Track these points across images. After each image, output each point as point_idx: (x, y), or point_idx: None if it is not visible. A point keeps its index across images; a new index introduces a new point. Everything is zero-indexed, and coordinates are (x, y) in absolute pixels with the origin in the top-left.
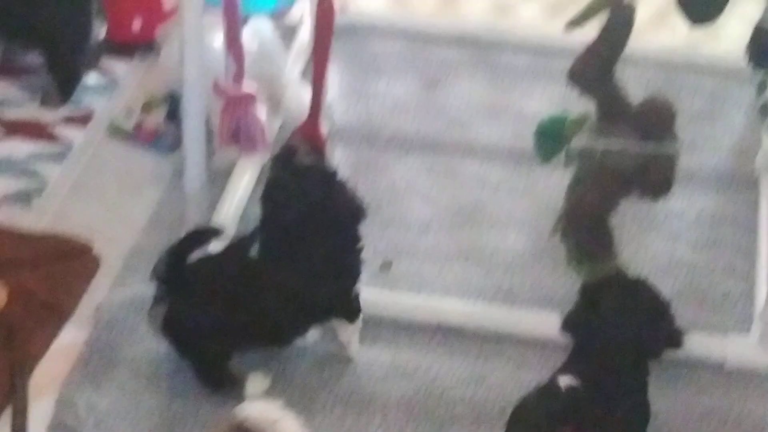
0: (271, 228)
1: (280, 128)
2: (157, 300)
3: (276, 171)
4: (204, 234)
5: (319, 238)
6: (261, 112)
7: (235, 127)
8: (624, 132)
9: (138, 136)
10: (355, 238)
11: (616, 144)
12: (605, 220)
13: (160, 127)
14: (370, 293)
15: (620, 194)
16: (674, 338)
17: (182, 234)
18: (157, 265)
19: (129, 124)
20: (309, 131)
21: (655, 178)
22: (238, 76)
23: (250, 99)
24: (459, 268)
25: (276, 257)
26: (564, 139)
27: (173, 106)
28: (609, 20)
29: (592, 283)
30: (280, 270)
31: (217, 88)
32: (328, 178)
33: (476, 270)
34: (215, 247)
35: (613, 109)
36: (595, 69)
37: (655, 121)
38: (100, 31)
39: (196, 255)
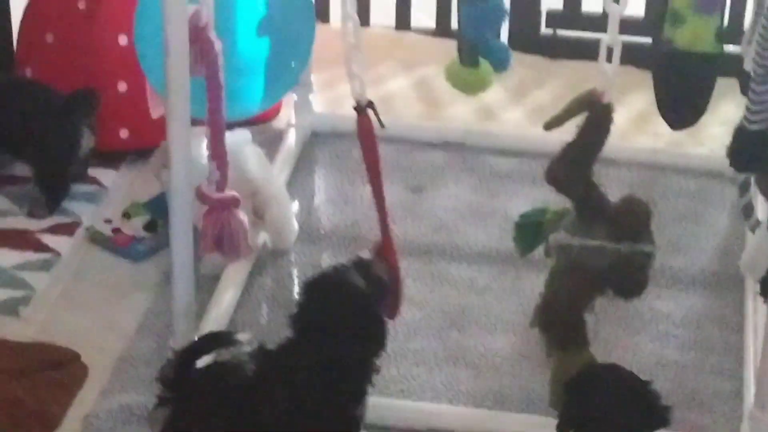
0: (305, 330)
1: (263, 241)
2: (160, 403)
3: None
4: (216, 339)
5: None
6: (244, 217)
7: (218, 233)
8: (600, 231)
9: (115, 241)
10: (373, 367)
11: (592, 242)
12: (579, 314)
13: (137, 234)
14: None
15: (594, 291)
16: (663, 415)
17: (172, 342)
18: (164, 367)
19: (107, 230)
20: (384, 249)
21: (628, 278)
22: (221, 183)
23: (233, 204)
24: (448, 372)
25: (295, 359)
26: (543, 232)
27: (155, 214)
28: (586, 120)
29: (576, 378)
30: (290, 386)
31: (200, 194)
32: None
33: (466, 373)
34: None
35: (590, 208)
36: (572, 169)
37: (631, 221)
38: (90, 141)
39: (205, 360)
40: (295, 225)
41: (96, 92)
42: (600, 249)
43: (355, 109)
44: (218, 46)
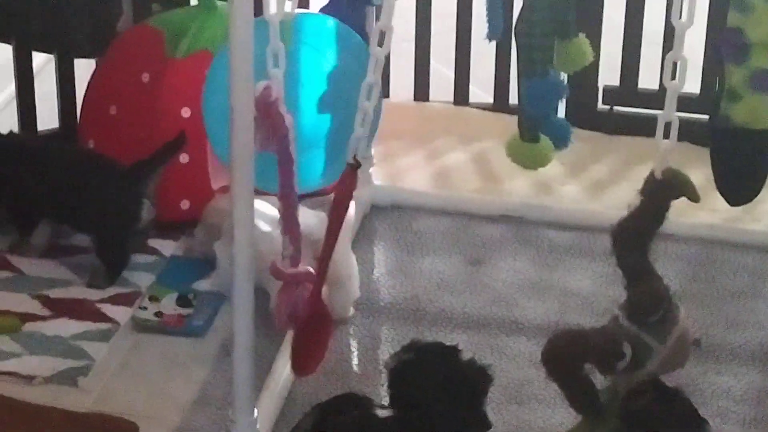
0: (401, 409)
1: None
2: None
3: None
4: (353, 400)
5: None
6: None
7: (293, 309)
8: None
9: (167, 324)
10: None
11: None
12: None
13: (182, 312)
14: None
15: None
16: None
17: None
18: (302, 421)
19: (150, 315)
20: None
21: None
22: (295, 258)
23: (307, 279)
24: None
25: None
26: None
27: (177, 288)
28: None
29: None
30: None
31: (274, 270)
32: (452, 354)
33: None
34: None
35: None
36: (629, 241)
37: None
38: (150, 212)
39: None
40: (355, 269)
41: (159, 162)
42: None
43: (348, 164)
44: (289, 120)
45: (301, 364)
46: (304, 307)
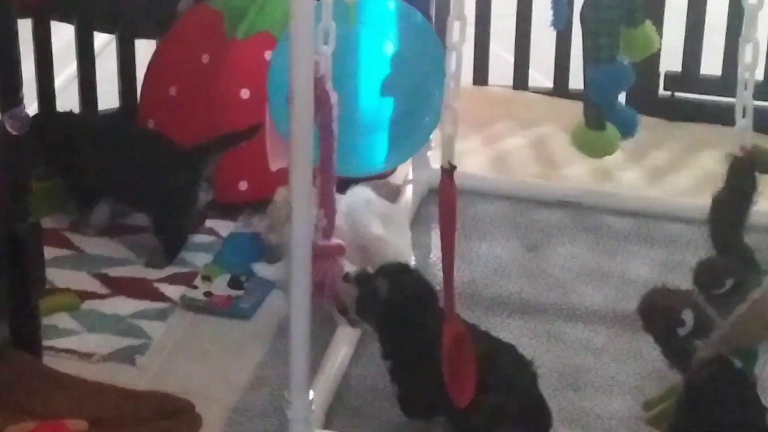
0: None
1: None
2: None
3: None
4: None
5: None
6: (347, 265)
7: (320, 280)
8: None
9: (216, 304)
10: None
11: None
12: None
13: (231, 294)
14: None
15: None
16: None
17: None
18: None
19: (200, 295)
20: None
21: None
22: (328, 231)
23: (337, 252)
24: None
25: None
26: None
27: (231, 269)
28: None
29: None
30: None
31: (315, 246)
32: None
33: None
34: None
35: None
36: (722, 226)
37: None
38: (208, 194)
39: None
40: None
41: (221, 147)
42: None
43: (442, 168)
44: (334, 97)
45: (458, 394)
46: (331, 280)
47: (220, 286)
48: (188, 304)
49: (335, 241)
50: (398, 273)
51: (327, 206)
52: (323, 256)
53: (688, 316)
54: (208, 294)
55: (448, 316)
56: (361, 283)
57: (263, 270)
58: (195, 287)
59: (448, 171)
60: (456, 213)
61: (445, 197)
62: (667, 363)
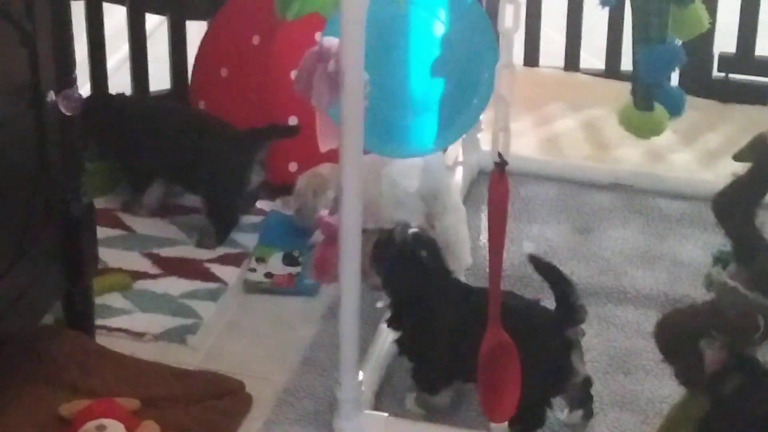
0: None
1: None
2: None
3: None
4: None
5: None
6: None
7: (328, 264)
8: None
9: (280, 284)
10: None
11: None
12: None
13: (284, 271)
14: None
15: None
16: None
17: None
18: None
19: (261, 277)
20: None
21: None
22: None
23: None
24: (614, 417)
25: None
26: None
27: (282, 245)
28: (753, 161)
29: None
30: None
31: (321, 221)
32: None
33: (632, 419)
34: None
35: (747, 250)
36: (736, 204)
37: None
38: (260, 176)
39: None
40: (467, 242)
41: (273, 135)
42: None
43: (495, 163)
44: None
45: (493, 408)
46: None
47: (276, 265)
48: (252, 288)
49: (333, 218)
50: (420, 232)
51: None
52: (329, 233)
53: (761, 320)
54: (268, 275)
55: (492, 322)
56: (381, 231)
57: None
58: (253, 270)
59: (500, 165)
60: (506, 213)
61: (495, 195)
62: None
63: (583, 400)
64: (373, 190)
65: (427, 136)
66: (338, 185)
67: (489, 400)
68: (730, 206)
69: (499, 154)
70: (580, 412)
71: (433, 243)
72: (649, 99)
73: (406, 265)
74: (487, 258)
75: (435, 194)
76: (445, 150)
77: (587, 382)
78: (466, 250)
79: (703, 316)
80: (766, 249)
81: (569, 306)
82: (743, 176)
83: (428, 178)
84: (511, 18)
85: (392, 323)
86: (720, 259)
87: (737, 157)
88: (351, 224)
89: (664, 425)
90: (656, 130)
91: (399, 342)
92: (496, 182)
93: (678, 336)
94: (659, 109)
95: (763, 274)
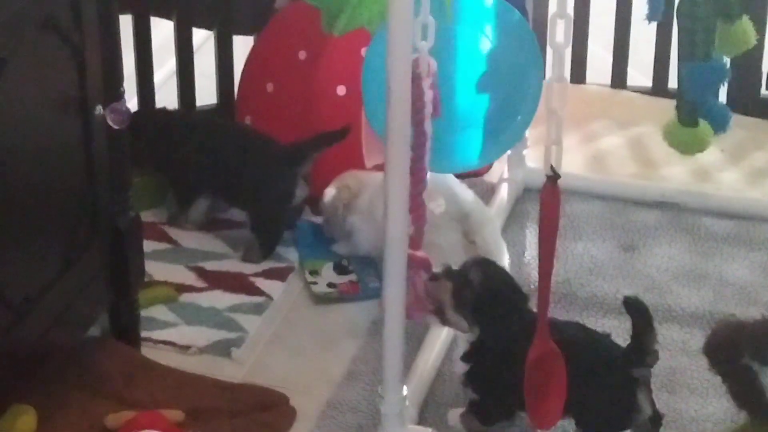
0: None
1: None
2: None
3: None
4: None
5: None
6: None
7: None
8: None
9: (347, 292)
10: None
11: None
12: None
13: (351, 279)
14: None
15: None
16: None
17: (380, 390)
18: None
19: (324, 287)
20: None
21: None
22: (416, 240)
23: (422, 266)
24: None
25: None
26: None
27: (326, 257)
28: None
29: None
30: None
31: (413, 258)
32: None
33: None
34: None
35: None
36: None
37: None
38: (304, 191)
39: None
40: (505, 248)
41: (318, 146)
42: None
43: (547, 176)
44: (428, 96)
45: (540, 415)
46: (416, 293)
47: (330, 275)
48: (321, 299)
49: (420, 252)
50: (487, 263)
51: (416, 211)
52: (409, 266)
53: None
54: (331, 285)
55: (540, 332)
56: (453, 277)
57: (340, 250)
58: (314, 283)
59: (552, 178)
60: (558, 226)
61: (547, 207)
62: (735, 402)
63: None
64: None
65: (472, 151)
66: (385, 201)
67: (535, 407)
68: None
69: (552, 167)
70: None
71: (506, 274)
72: (693, 115)
73: (491, 304)
74: (532, 275)
75: (467, 212)
76: (490, 167)
77: (656, 420)
78: (505, 259)
79: (749, 331)
80: None
81: (643, 347)
82: None
83: (455, 196)
84: (562, 33)
85: (470, 358)
86: None
87: None
88: (395, 240)
89: None
90: (700, 147)
91: (470, 375)
92: (548, 194)
93: (724, 350)
94: (703, 125)
95: None
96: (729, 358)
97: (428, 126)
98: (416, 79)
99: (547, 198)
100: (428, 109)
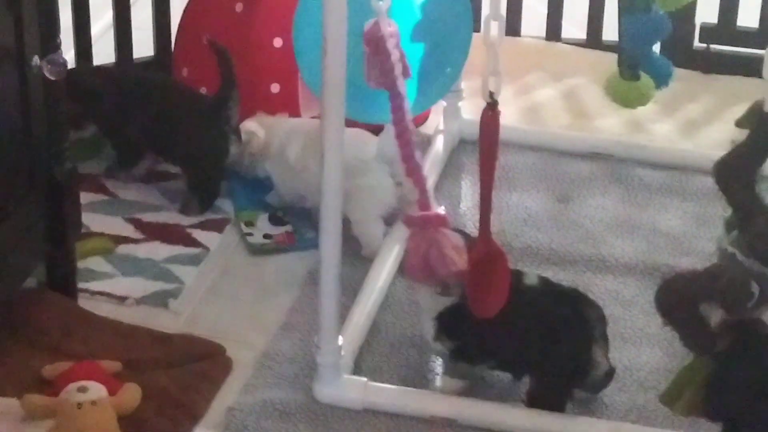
0: None
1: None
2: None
3: None
4: None
5: None
6: (454, 236)
7: (425, 253)
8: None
9: (283, 242)
10: None
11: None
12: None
13: (287, 229)
14: None
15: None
16: None
17: (316, 340)
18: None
19: (261, 239)
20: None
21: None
22: (423, 201)
23: (438, 222)
24: None
25: None
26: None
27: (260, 208)
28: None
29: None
30: None
31: (405, 219)
32: None
33: (609, 387)
34: None
35: (747, 218)
36: (738, 170)
37: None
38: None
39: None
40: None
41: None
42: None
43: (487, 102)
44: (395, 56)
45: (481, 308)
46: (438, 253)
47: (266, 226)
48: (257, 250)
49: (434, 211)
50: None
51: (415, 174)
52: (423, 228)
53: (755, 287)
54: (267, 236)
55: (482, 234)
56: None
57: (271, 200)
58: (250, 234)
59: (491, 105)
60: (497, 150)
61: (487, 129)
62: (686, 346)
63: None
64: None
65: None
66: (321, 151)
67: (478, 300)
68: (730, 173)
69: (491, 94)
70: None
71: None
72: (635, 69)
73: None
74: (468, 224)
75: (394, 155)
76: (426, 119)
77: (610, 374)
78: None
79: (702, 282)
80: (762, 215)
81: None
82: (743, 143)
83: (385, 140)
84: None
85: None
86: (729, 224)
87: (738, 124)
88: (332, 188)
89: (669, 389)
90: (642, 100)
91: (446, 329)
92: (487, 119)
93: (679, 302)
94: (645, 78)
95: (759, 239)
96: (685, 310)
97: (402, 86)
98: (380, 42)
99: (487, 121)
100: (398, 69)
